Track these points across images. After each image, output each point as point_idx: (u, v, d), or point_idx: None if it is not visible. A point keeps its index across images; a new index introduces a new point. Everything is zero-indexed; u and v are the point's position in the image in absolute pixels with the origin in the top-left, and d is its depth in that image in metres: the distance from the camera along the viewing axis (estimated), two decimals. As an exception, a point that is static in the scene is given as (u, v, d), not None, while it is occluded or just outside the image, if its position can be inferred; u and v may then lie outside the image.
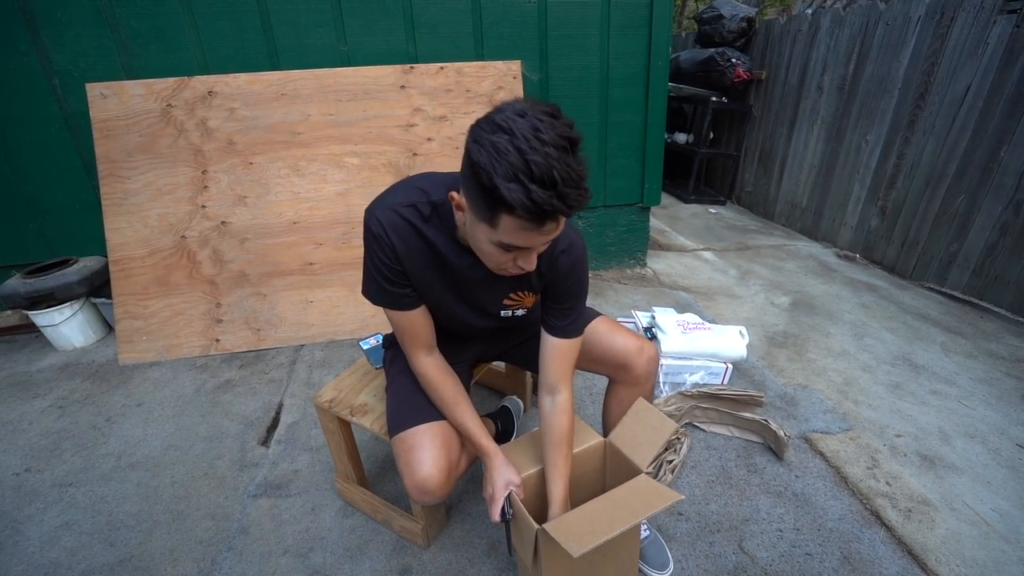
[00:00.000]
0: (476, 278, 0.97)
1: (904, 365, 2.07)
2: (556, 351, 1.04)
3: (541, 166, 0.66)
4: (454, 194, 0.82)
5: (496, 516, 0.98)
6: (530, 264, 0.83)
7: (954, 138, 2.58)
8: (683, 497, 0.86)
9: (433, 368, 1.06)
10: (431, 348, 1.07)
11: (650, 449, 1.02)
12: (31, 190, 2.23)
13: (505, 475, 1.01)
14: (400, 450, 1.05)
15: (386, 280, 0.96)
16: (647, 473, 0.99)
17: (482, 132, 0.71)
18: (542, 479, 1.07)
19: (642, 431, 1.06)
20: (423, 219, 0.92)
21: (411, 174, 1.03)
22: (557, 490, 1.03)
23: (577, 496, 1.16)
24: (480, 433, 1.06)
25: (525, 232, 0.74)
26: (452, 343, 1.18)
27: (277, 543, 1.31)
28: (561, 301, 1.02)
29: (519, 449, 1.12)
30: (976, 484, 1.49)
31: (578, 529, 0.83)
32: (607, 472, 1.15)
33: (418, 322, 1.03)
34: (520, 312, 1.11)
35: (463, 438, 1.09)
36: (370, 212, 0.92)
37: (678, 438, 1.55)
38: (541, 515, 0.95)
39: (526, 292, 1.05)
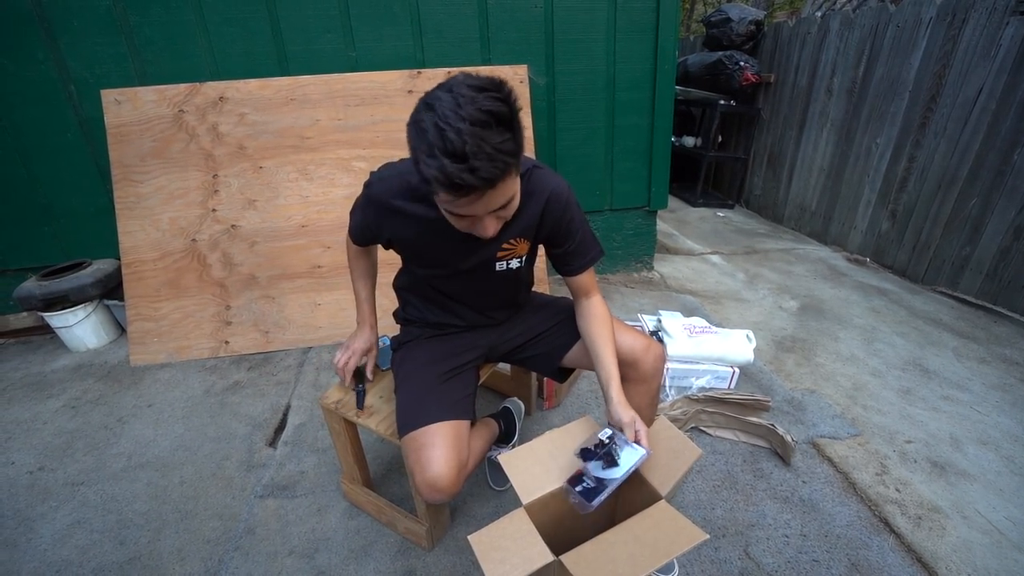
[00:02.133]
0: (464, 235, 0.97)
1: (915, 370, 2.05)
2: (579, 282, 1.15)
3: (454, 141, 0.71)
4: None
5: (349, 380, 1.18)
6: (485, 231, 0.89)
7: (966, 141, 2.55)
8: (708, 536, 0.85)
9: (359, 251, 1.26)
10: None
11: (671, 475, 0.98)
12: (47, 194, 2.28)
13: (367, 343, 1.26)
14: (410, 449, 1.05)
15: (365, 228, 1.12)
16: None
17: (416, 112, 0.77)
18: (557, 500, 1.02)
19: (663, 452, 1.02)
20: (412, 188, 1.00)
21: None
22: (607, 357, 1.09)
23: (591, 514, 1.12)
24: (368, 301, 1.29)
25: (456, 203, 0.79)
26: (459, 324, 1.23)
27: (283, 543, 1.33)
28: (563, 243, 1.10)
29: (531, 460, 1.03)
30: (988, 492, 1.46)
31: (598, 567, 0.81)
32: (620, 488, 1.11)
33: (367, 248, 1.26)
34: (515, 263, 1.12)
35: (357, 302, 1.29)
36: (370, 179, 1.05)
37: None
38: (560, 544, 0.89)
39: (517, 239, 1.07)
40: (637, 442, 0.96)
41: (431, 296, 1.21)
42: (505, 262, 1.11)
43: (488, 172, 0.74)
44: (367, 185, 1.05)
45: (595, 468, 0.96)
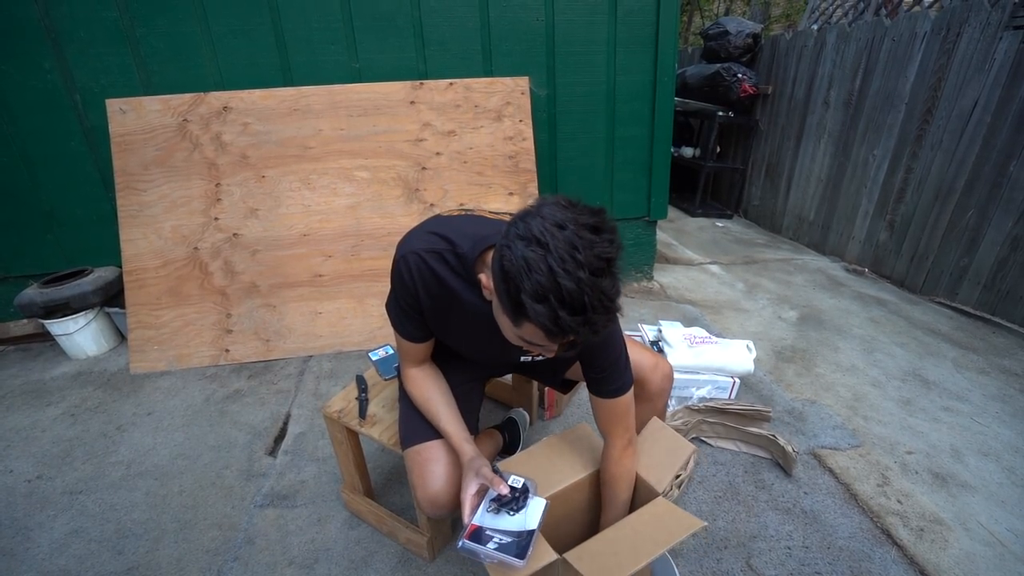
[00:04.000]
0: (496, 328, 0.92)
1: (915, 381, 2.05)
2: (604, 409, 1.01)
3: (572, 292, 0.63)
4: (483, 277, 0.83)
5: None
6: (550, 353, 0.82)
7: (962, 153, 2.58)
8: (706, 524, 0.86)
9: (420, 378, 1.08)
10: (423, 362, 1.10)
11: (666, 471, 1.00)
12: (50, 202, 2.29)
13: (478, 479, 0.95)
14: (413, 463, 1.05)
15: (404, 314, 0.99)
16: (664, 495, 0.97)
17: (517, 239, 0.67)
18: (558, 503, 1.03)
19: (658, 452, 1.04)
20: (448, 268, 0.92)
21: (438, 212, 1.07)
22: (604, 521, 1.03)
23: (588, 517, 1.13)
24: (460, 436, 1.02)
25: (547, 340, 0.72)
26: (468, 366, 1.19)
27: (283, 554, 1.32)
28: (597, 369, 0.98)
29: (530, 465, 1.06)
30: (990, 503, 1.46)
31: (602, 560, 0.82)
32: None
33: (419, 349, 1.06)
34: (540, 356, 1.06)
35: (449, 440, 1.03)
36: (400, 252, 0.93)
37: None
38: (562, 544, 0.90)
39: None
40: None
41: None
42: (532, 356, 1.06)
43: (602, 324, 0.68)
44: (396, 266, 0.94)
45: (493, 518, 0.90)
